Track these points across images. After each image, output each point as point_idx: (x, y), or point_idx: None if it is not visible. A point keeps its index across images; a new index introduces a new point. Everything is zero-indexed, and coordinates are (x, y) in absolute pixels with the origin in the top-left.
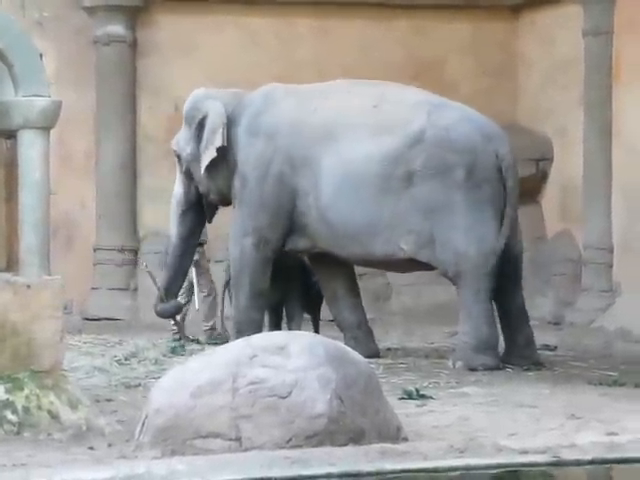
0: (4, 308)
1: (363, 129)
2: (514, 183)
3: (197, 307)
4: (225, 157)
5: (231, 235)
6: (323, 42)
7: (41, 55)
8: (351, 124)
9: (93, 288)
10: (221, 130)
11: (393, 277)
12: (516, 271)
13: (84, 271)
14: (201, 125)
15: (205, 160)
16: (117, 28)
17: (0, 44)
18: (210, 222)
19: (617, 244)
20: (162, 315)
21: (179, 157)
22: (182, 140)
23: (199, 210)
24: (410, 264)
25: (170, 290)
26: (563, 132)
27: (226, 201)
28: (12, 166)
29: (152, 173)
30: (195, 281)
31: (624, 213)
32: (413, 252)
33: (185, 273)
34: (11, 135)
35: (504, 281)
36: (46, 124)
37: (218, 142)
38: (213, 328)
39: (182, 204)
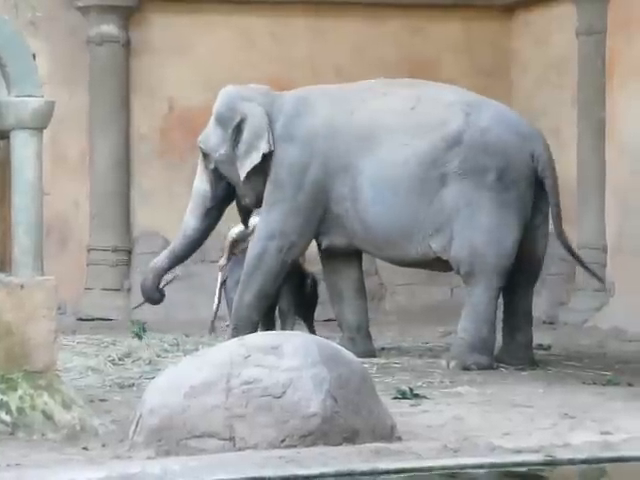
0: None
1: (401, 132)
2: (553, 181)
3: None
4: (261, 163)
5: (256, 235)
6: (317, 41)
7: (34, 55)
8: (389, 127)
9: (87, 288)
10: (267, 136)
11: (387, 277)
12: (535, 272)
13: (78, 271)
14: (239, 128)
15: (248, 166)
16: (110, 28)
17: None
18: (246, 226)
19: (611, 244)
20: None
21: (206, 155)
22: (213, 139)
23: (222, 210)
24: (442, 264)
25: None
26: (556, 132)
27: (261, 204)
28: (5, 166)
29: (146, 173)
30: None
31: (618, 213)
32: (440, 251)
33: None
34: (4, 135)
35: (519, 280)
36: (39, 124)
37: (265, 148)
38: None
39: (209, 201)
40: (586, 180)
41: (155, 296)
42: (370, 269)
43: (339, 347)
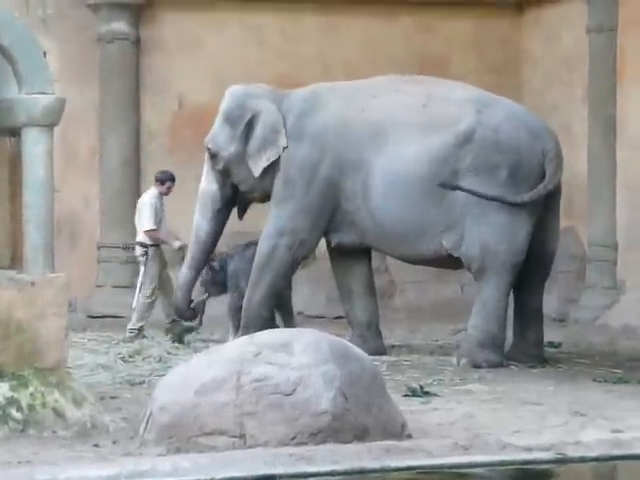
0: (9, 305)
1: (412, 129)
2: (554, 170)
3: (134, 306)
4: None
5: (265, 232)
6: (328, 39)
7: (45, 53)
8: (400, 124)
9: (97, 285)
10: (284, 130)
11: (397, 274)
12: (545, 270)
13: (88, 268)
14: (250, 125)
15: (265, 161)
16: (121, 25)
17: (4, 42)
18: (241, 219)
19: (621, 241)
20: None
21: (214, 155)
22: (222, 138)
23: (230, 209)
24: (454, 261)
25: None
26: (567, 129)
27: (267, 198)
28: (16, 164)
29: (155, 170)
30: (139, 281)
31: (629, 210)
32: (451, 248)
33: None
34: (15, 133)
35: (530, 277)
36: (50, 122)
37: (283, 142)
38: (141, 330)
39: (218, 202)
40: (597, 177)
41: (187, 312)
42: (380, 267)
43: (349, 344)
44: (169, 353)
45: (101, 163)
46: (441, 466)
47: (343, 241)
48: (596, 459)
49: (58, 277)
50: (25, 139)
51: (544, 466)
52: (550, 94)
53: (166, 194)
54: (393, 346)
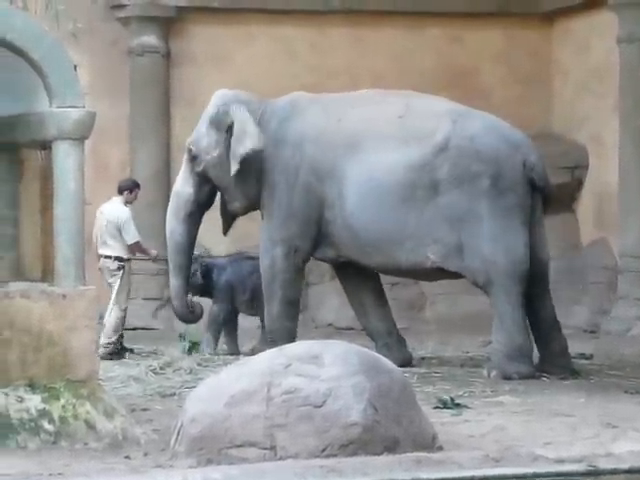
0: (40, 318)
1: (388, 139)
2: (550, 190)
3: (105, 320)
4: (252, 164)
5: (261, 246)
6: (356, 51)
7: (75, 66)
8: (376, 134)
9: (128, 298)
10: (258, 132)
11: (427, 286)
12: (543, 278)
13: None
14: (231, 130)
15: (239, 157)
16: (151, 39)
17: (35, 56)
18: (225, 234)
19: None
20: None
21: (195, 157)
22: (204, 141)
23: (202, 215)
24: (438, 273)
25: (186, 293)
26: (598, 139)
27: (250, 209)
28: (47, 177)
29: None
30: (114, 294)
31: None
32: (440, 261)
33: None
34: (46, 146)
35: (532, 289)
36: (81, 135)
37: (250, 143)
38: (114, 343)
39: (191, 204)
40: (628, 188)
41: (189, 317)
42: (410, 279)
43: (379, 356)
44: (199, 365)
45: (132, 175)
46: (472, 478)
47: (325, 255)
48: (628, 471)
49: (89, 289)
50: (56, 152)
51: (575, 478)
52: (580, 105)
53: (131, 202)
54: (423, 358)
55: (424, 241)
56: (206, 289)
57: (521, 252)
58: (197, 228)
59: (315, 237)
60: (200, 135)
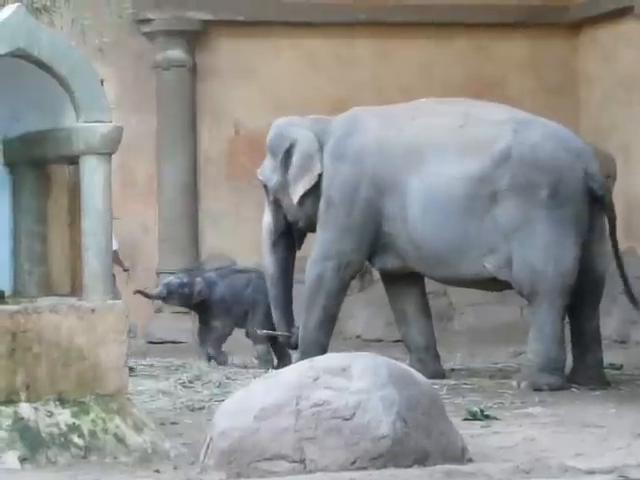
0: (69, 332)
1: (450, 150)
2: (610, 199)
3: None
4: (311, 187)
5: (312, 256)
6: (382, 63)
7: (102, 81)
8: (437, 145)
9: (157, 311)
10: (319, 156)
11: (456, 297)
12: (597, 290)
13: None
14: (288, 153)
15: (301, 189)
16: (177, 53)
17: (61, 70)
18: (299, 249)
19: None
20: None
21: (265, 187)
22: (267, 170)
23: (290, 238)
24: (497, 283)
25: (289, 322)
26: (626, 149)
27: (314, 227)
28: (75, 192)
29: (213, 196)
30: None
31: None
32: (495, 271)
33: (291, 301)
34: (73, 161)
35: (583, 299)
36: (108, 149)
37: (317, 169)
38: None
39: (272, 234)
40: None
41: (293, 344)
42: (439, 289)
43: (408, 368)
44: (228, 378)
45: (159, 190)
46: None
47: (386, 265)
48: None
49: (118, 304)
50: (83, 167)
51: None
52: (608, 114)
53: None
54: (453, 369)
55: (482, 251)
56: (199, 304)
57: (570, 265)
58: (287, 257)
59: (369, 252)
60: (264, 164)
